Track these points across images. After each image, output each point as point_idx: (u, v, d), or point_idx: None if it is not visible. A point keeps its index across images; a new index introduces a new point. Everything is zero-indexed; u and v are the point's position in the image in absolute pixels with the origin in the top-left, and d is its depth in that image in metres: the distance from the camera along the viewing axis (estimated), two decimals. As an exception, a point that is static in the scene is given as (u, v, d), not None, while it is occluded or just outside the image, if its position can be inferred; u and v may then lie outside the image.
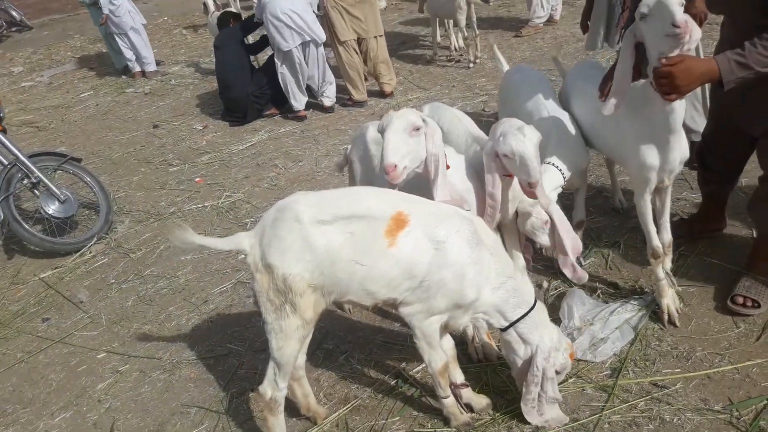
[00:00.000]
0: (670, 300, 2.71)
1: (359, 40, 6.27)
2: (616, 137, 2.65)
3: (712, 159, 2.74)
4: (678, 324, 2.67)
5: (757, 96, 2.45)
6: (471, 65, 7.03)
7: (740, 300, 2.67)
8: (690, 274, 2.96)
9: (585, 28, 4.02)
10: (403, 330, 2.94)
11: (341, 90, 6.69)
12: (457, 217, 2.09)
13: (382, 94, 6.60)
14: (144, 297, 3.73)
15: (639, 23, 2.21)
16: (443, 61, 7.51)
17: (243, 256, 2.16)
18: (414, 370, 2.70)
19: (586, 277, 2.61)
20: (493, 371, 2.59)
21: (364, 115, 6.27)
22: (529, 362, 2.18)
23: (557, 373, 2.23)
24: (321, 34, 6.12)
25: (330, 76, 6.43)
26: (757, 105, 2.49)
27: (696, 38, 2.14)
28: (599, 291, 2.98)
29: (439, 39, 7.64)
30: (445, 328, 2.21)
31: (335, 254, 2.01)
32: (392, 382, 2.67)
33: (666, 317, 2.70)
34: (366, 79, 6.52)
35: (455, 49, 7.67)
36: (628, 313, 2.78)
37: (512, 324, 2.14)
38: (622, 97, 2.38)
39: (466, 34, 7.06)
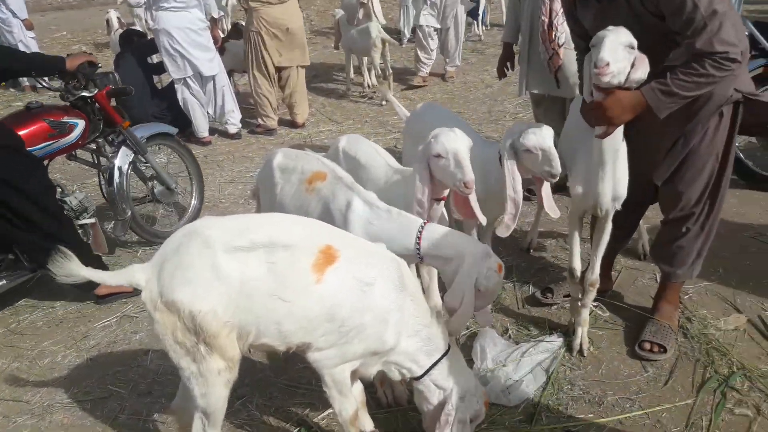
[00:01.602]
0: (581, 325, 2.72)
1: (280, 68, 6.13)
2: (566, 151, 2.65)
3: (616, 213, 2.79)
4: (585, 353, 2.71)
5: (656, 144, 2.52)
6: (383, 102, 7.04)
7: (647, 346, 2.69)
8: (595, 319, 2.96)
9: (501, 73, 4.07)
10: (307, 372, 2.73)
11: (251, 115, 6.48)
12: (385, 258, 1.94)
13: (293, 124, 6.45)
14: (15, 329, 3.28)
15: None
16: (356, 97, 7.49)
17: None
18: (319, 417, 2.48)
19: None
20: (404, 417, 2.43)
21: (273, 143, 6.08)
22: (443, 405, 2.03)
23: (471, 421, 2.09)
24: (207, 70, 5.90)
25: (232, 104, 6.20)
26: (658, 153, 2.56)
27: (637, 77, 2.16)
28: (510, 332, 2.92)
29: (352, 75, 7.63)
30: (353, 374, 2.02)
31: (253, 286, 1.77)
32: (295, 431, 2.45)
33: (578, 342, 2.72)
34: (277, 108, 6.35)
35: (368, 86, 7.68)
36: (540, 354, 2.73)
37: (426, 371, 2.00)
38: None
39: (379, 71, 7.08)
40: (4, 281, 3.28)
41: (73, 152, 3.71)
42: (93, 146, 3.77)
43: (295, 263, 1.78)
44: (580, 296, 2.71)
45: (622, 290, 3.17)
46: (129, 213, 3.80)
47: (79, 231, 3.53)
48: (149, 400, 2.67)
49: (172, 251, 1.80)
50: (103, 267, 3.29)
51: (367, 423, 2.19)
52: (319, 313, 1.80)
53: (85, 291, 3.37)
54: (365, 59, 7.55)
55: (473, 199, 2.37)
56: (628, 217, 2.89)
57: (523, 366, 2.67)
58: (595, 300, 3.00)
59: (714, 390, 2.46)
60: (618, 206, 2.55)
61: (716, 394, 2.44)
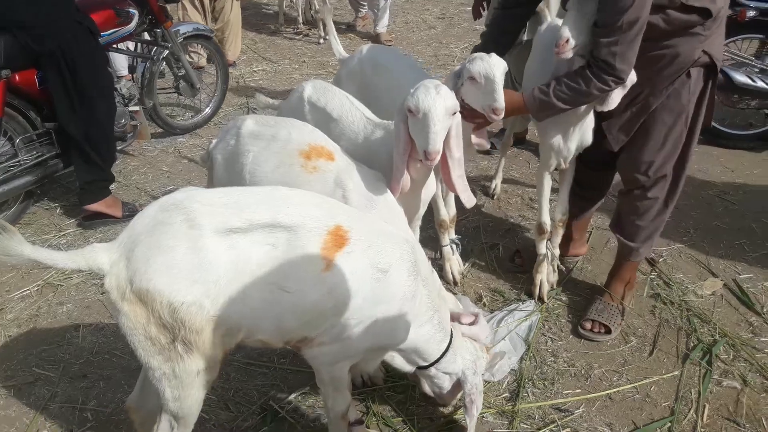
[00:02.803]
0: (545, 277, 2.72)
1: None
2: None
3: (584, 171, 2.65)
4: (546, 300, 2.72)
5: (612, 112, 2.32)
6: (321, 41, 6.58)
7: (588, 325, 2.55)
8: (574, 286, 2.85)
9: (477, 13, 3.74)
10: (267, 348, 2.45)
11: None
12: (400, 240, 1.67)
13: (222, 63, 5.89)
14: None
15: None
16: (290, 34, 6.96)
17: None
18: (288, 399, 2.23)
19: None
20: (381, 397, 2.22)
21: (204, 82, 5.51)
22: (456, 386, 1.88)
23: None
24: None
25: None
26: (613, 120, 2.40)
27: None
28: (484, 299, 2.76)
29: (285, 9, 7.07)
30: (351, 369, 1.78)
31: (249, 275, 1.46)
32: (259, 416, 2.19)
33: (537, 292, 2.72)
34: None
35: (303, 23, 7.13)
36: (515, 322, 2.59)
37: (434, 362, 1.78)
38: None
39: (317, 6, 6.58)
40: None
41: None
42: (144, 38, 3.97)
43: (299, 246, 1.49)
44: (547, 252, 2.73)
45: (595, 253, 3.06)
46: (152, 103, 4.11)
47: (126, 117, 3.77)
48: (84, 385, 2.33)
49: (146, 230, 1.45)
50: (110, 175, 3.38)
51: (354, 414, 1.96)
52: (327, 306, 1.53)
53: (81, 204, 3.32)
54: (299, -7, 6.99)
55: (457, 171, 2.05)
56: (596, 176, 2.75)
57: (500, 335, 2.53)
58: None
59: (699, 360, 2.40)
60: (579, 152, 2.53)
61: (702, 365, 2.38)
